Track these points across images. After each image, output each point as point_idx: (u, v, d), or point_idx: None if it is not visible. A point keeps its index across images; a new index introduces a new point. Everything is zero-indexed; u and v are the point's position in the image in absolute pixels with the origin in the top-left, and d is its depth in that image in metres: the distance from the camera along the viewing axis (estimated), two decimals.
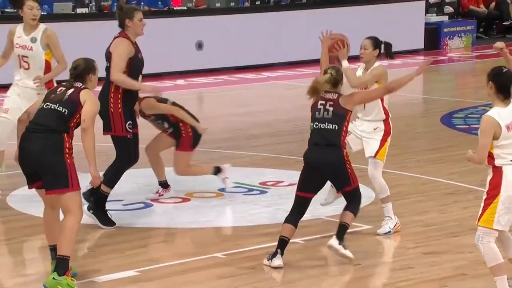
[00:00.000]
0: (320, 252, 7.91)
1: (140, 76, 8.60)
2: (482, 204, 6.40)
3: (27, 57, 9.13)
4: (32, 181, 6.91)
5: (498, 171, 6.33)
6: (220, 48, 18.51)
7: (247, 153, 11.75)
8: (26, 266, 7.61)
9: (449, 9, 21.65)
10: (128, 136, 8.26)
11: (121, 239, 8.17)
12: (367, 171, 8.71)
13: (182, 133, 9.24)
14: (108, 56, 8.40)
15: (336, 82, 7.69)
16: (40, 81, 9.12)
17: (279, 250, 7.53)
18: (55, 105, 6.77)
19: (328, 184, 8.12)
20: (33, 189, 7.10)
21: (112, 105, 8.31)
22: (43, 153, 6.70)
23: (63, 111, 6.73)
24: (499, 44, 6.86)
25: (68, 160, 6.70)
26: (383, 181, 8.41)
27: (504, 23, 22.18)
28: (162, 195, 9.34)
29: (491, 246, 6.38)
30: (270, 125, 13.62)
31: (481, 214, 6.38)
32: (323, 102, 7.62)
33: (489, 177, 6.41)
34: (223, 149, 11.98)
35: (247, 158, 11.52)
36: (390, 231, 8.30)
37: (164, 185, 9.33)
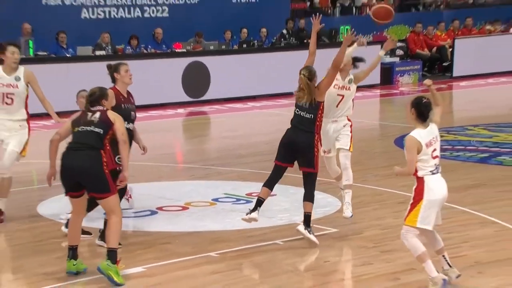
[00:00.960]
0: (296, 251, 7.90)
1: (131, 124, 8.03)
2: (408, 207, 6.60)
3: (12, 94, 8.72)
4: (69, 190, 6.93)
5: (420, 181, 6.54)
6: (213, 83, 18.49)
7: (235, 169, 11.68)
8: (53, 264, 7.53)
9: (400, 52, 21.76)
10: (118, 168, 7.71)
11: (131, 241, 8.14)
12: (335, 182, 8.80)
13: None
14: None
15: (310, 79, 7.87)
16: (57, 119, 8.77)
17: (258, 208, 7.90)
18: (90, 127, 6.82)
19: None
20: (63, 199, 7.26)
21: None
22: (88, 167, 6.76)
23: (99, 131, 6.80)
24: (427, 81, 7.01)
25: (106, 170, 6.78)
26: (351, 171, 8.49)
27: (444, 64, 22.32)
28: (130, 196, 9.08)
29: (413, 240, 6.58)
30: (254, 146, 13.59)
31: (407, 215, 6.60)
32: None
33: (414, 186, 6.61)
34: (216, 166, 11.97)
35: (235, 173, 11.44)
36: (352, 215, 8.38)
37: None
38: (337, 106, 8.41)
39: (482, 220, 8.85)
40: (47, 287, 6.94)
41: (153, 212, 9.19)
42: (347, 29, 21.09)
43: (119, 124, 6.90)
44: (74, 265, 7.03)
